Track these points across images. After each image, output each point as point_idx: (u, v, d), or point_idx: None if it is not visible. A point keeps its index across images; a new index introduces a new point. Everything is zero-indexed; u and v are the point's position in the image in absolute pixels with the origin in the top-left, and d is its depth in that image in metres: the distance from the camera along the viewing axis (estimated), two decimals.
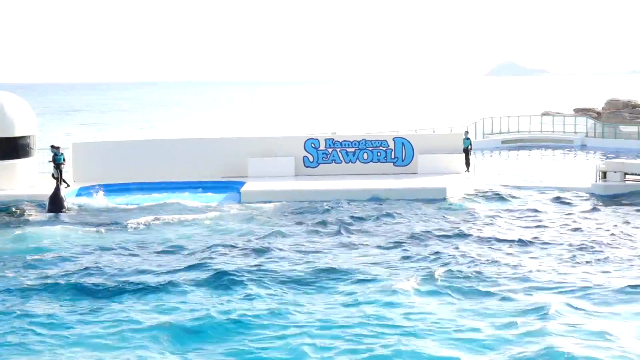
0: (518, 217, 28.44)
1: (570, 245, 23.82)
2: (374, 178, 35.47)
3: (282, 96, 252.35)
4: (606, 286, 19.37)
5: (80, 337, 16.26)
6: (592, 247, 23.57)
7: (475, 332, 16.23)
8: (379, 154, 37.27)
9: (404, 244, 24.21)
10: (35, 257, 23.22)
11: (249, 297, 18.73)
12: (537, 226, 26.93)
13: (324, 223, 27.59)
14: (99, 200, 32.70)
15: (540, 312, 17.28)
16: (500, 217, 28.49)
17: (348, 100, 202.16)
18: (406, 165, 37.23)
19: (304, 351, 15.33)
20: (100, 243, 25.22)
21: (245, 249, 23.79)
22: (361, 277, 20.40)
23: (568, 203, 31.31)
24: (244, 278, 20.26)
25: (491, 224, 27.40)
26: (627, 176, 33.52)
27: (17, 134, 34.52)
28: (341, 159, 37.28)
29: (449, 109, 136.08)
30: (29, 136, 35.12)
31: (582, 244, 23.87)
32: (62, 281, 20.27)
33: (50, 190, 31.44)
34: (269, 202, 31.62)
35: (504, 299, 18.45)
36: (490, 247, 23.70)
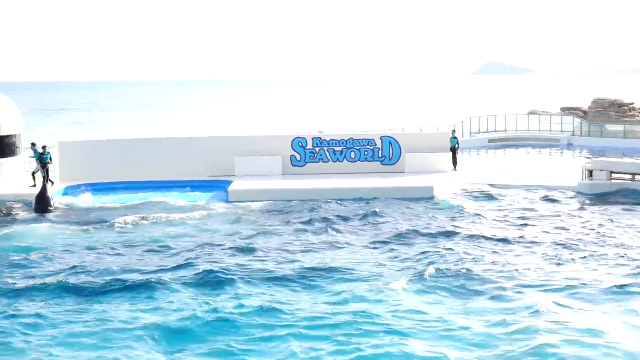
0: (505, 216, 28.51)
1: (557, 243, 23.91)
2: (361, 177, 35.49)
3: (269, 95, 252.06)
4: (592, 284, 19.46)
5: (66, 337, 16.19)
6: (578, 245, 23.66)
7: (464, 330, 16.25)
8: (366, 152, 37.30)
9: (391, 243, 24.24)
10: (21, 256, 23.11)
11: (236, 296, 18.70)
12: (524, 224, 27.01)
13: (311, 222, 27.59)
14: (86, 199, 32.60)
15: (528, 309, 17.35)
16: (487, 215, 28.56)
17: (335, 99, 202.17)
18: (393, 164, 37.28)
19: (292, 350, 15.32)
20: (87, 242, 25.14)
21: (232, 248, 23.76)
22: (348, 276, 20.42)
23: (554, 201, 31.41)
24: (231, 277, 20.23)
25: (478, 222, 27.47)
26: (613, 175, 33.66)
27: (3, 132, 34.38)
28: (328, 157, 37.28)
29: (436, 108, 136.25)
30: (15, 135, 34.97)
31: (568, 243, 23.96)
32: (48, 280, 20.18)
33: (36, 189, 31.35)
34: (256, 201, 31.59)
35: (491, 297, 18.51)
36: (477, 246, 23.75)
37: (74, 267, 21.68)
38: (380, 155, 37.32)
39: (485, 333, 16.04)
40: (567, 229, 26.01)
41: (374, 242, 24.42)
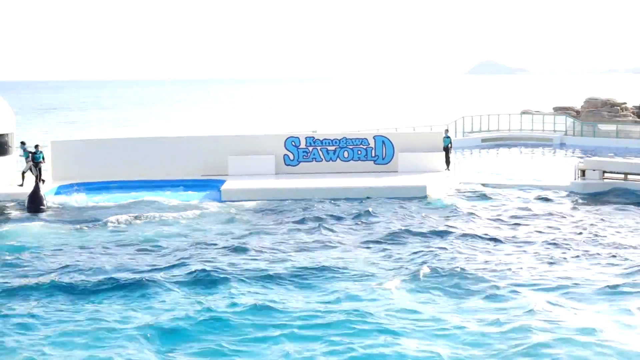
0: (498, 215, 28.55)
1: (550, 243, 23.96)
2: (354, 176, 35.50)
3: (263, 94, 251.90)
4: (585, 283, 19.51)
5: (59, 336, 16.16)
6: (571, 244, 23.72)
7: (457, 329, 16.28)
8: (359, 152, 37.32)
9: (384, 242, 24.26)
10: (14, 255, 23.07)
11: (228, 296, 18.69)
12: (517, 224, 27.06)
13: (304, 221, 27.59)
14: (79, 198, 32.53)
15: (522, 309, 17.38)
16: (480, 215, 28.60)
17: (329, 99, 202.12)
18: (386, 163, 37.31)
19: (285, 350, 15.32)
20: (80, 241, 25.10)
21: (225, 247, 23.75)
22: (342, 275, 20.43)
23: (547, 201, 31.48)
24: (224, 276, 20.22)
25: (471, 222, 27.50)
26: (606, 174, 33.75)
27: None
28: (322, 157, 37.29)
29: (429, 108, 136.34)
30: (7, 134, 34.87)
31: (561, 242, 24.01)
32: (40, 280, 20.16)
33: (29, 189, 31.30)
34: (249, 200, 31.59)
35: (484, 296, 18.54)
36: (470, 245, 23.78)
37: (66, 266, 21.65)
38: (373, 155, 37.35)
39: (479, 332, 16.07)
40: (560, 229, 26.07)
41: (367, 242, 24.44)
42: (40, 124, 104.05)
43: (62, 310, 17.88)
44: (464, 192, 33.48)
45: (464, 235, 25.06)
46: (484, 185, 34.80)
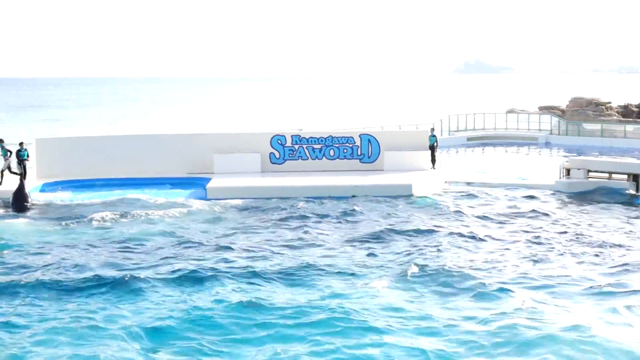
0: (483, 214, 28.61)
1: (534, 241, 24.03)
2: (340, 175, 35.52)
3: (248, 92, 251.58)
4: (570, 282, 19.58)
5: (43, 334, 16.08)
6: (555, 243, 23.80)
7: (444, 327, 16.31)
8: (345, 150, 37.34)
9: (370, 241, 24.28)
10: None
11: (213, 294, 18.65)
12: (502, 222, 27.13)
13: (289, 220, 27.59)
14: (63, 196, 32.42)
15: (507, 307, 17.45)
16: (466, 213, 28.65)
17: (315, 97, 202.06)
18: (372, 162, 37.34)
19: (271, 348, 15.32)
20: (64, 239, 25.01)
21: (211, 245, 23.71)
22: (327, 274, 20.43)
23: (532, 200, 31.57)
24: (209, 275, 20.19)
25: (456, 220, 27.55)
26: (591, 173, 33.89)
27: None
28: (307, 155, 37.29)
29: (415, 106, 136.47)
30: None
31: (546, 241, 24.09)
32: (24, 277, 20.07)
33: (10, 186, 31.16)
34: (235, 198, 31.55)
35: (470, 294, 18.58)
36: (455, 243, 23.81)
37: (51, 264, 21.57)
38: (359, 153, 37.38)
39: (465, 330, 16.10)
40: (545, 228, 26.15)
41: (353, 240, 24.45)
42: (24, 122, 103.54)
43: (46, 308, 17.81)
44: (450, 190, 33.55)
45: (450, 233, 25.10)
46: (469, 183, 34.91)
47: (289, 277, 20.17)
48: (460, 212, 28.88)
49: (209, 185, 33.13)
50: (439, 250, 22.72)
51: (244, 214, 29.02)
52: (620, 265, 21.11)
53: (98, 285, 19.44)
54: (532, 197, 32.09)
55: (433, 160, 37.38)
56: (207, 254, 22.66)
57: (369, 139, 37.49)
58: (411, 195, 32.18)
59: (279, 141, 37.27)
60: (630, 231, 25.48)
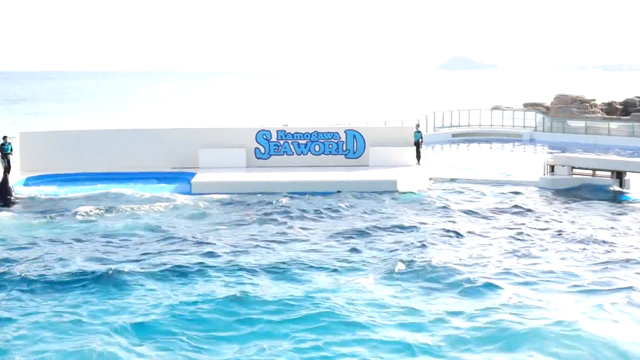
0: (467, 210, 28.67)
1: (518, 238, 24.11)
2: (325, 170, 35.52)
3: (233, 87, 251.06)
4: (553, 278, 19.65)
5: (26, 329, 16.01)
6: (539, 240, 23.89)
7: (429, 323, 16.34)
8: (330, 146, 37.34)
9: (355, 237, 24.28)
10: None
11: (197, 290, 18.62)
12: (486, 218, 27.21)
13: (274, 215, 27.55)
14: (48, 190, 32.26)
15: (491, 302, 17.50)
16: (450, 209, 28.72)
17: (300, 93, 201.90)
18: (357, 157, 37.37)
19: (256, 344, 15.31)
20: (48, 234, 24.90)
21: (195, 240, 23.65)
22: (312, 269, 20.42)
23: (516, 196, 31.67)
24: (193, 270, 20.16)
25: (441, 216, 27.61)
26: (574, 170, 34.04)
27: None
28: (293, 150, 37.27)
29: (400, 102, 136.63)
30: None
31: (529, 237, 24.18)
32: (7, 271, 19.95)
33: None
34: (220, 193, 31.49)
35: (454, 290, 18.62)
36: (440, 239, 23.84)
37: (34, 258, 21.46)
38: (344, 149, 37.39)
39: (451, 326, 16.14)
40: (528, 224, 26.24)
41: (338, 236, 24.44)
42: (8, 115, 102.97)
43: (29, 303, 17.73)
44: (435, 186, 33.62)
45: (435, 229, 25.14)
46: (454, 180, 34.99)
47: (274, 272, 20.15)
48: (445, 208, 28.94)
49: (194, 180, 33.06)
50: (423, 246, 22.76)
51: (228, 209, 28.98)
52: (604, 262, 21.21)
53: (82, 279, 19.36)
54: (516, 193, 32.19)
55: (418, 156, 37.46)
56: (192, 248, 22.61)
57: (354, 135, 37.51)
58: (396, 191, 32.23)
59: (264, 136, 37.24)
60: (614, 228, 25.60)
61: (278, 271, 20.23)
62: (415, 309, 17.24)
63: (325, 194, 31.56)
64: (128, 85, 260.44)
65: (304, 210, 28.23)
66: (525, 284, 19.20)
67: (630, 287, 18.66)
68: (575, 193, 32.25)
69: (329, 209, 28.51)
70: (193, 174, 34.23)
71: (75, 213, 27.60)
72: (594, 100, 63.31)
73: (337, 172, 34.82)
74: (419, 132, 38.09)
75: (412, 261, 20.85)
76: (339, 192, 31.88)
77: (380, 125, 48.63)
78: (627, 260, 21.29)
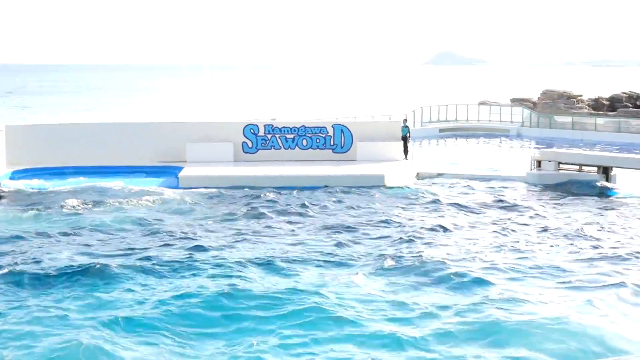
0: (454, 204, 28.71)
1: (504, 233, 24.17)
2: (312, 164, 35.50)
3: (220, 81, 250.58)
4: (540, 273, 19.71)
5: (11, 323, 15.94)
6: (525, 235, 23.97)
7: (417, 317, 16.37)
8: (318, 140, 37.32)
9: (342, 231, 24.28)
10: None
11: (184, 284, 18.57)
12: (473, 213, 27.27)
13: (261, 209, 27.51)
14: (34, 184, 32.13)
15: (479, 297, 17.54)
16: (437, 203, 28.76)
17: (288, 87, 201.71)
18: (345, 152, 37.36)
19: (244, 339, 15.29)
20: (34, 228, 24.77)
21: (182, 234, 23.59)
22: (299, 264, 20.41)
23: (503, 191, 31.74)
24: (180, 264, 20.12)
25: (428, 211, 27.66)
26: (561, 165, 34.15)
27: None
28: (280, 145, 37.23)
29: (388, 97, 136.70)
30: None
31: (515, 232, 24.25)
32: None
33: None
34: (207, 187, 31.43)
35: (442, 284, 18.67)
36: (427, 234, 23.88)
37: (19, 253, 21.35)
38: (332, 144, 37.38)
39: (440, 320, 16.16)
40: (516, 219, 26.31)
41: (325, 231, 24.44)
42: (5, 108, 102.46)
43: (15, 297, 17.65)
44: (422, 181, 33.66)
45: (422, 224, 25.18)
46: (441, 174, 35.04)
47: (261, 267, 20.12)
48: (432, 202, 28.98)
49: (181, 174, 32.99)
50: (411, 241, 22.79)
51: (216, 203, 28.92)
52: (591, 257, 21.29)
53: (69, 273, 19.27)
54: (503, 188, 32.27)
55: (405, 151, 37.50)
56: (179, 242, 22.56)
57: (342, 129, 37.50)
58: (384, 185, 32.25)
59: (251, 130, 37.18)
60: (600, 223, 25.69)
61: (265, 266, 20.19)
62: (403, 303, 17.26)
63: (312, 188, 31.55)
64: (128, 79, 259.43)
65: (291, 205, 28.21)
66: (514, 279, 19.25)
67: (617, 282, 18.75)
68: (562, 188, 32.35)
69: (316, 203, 28.50)
70: (180, 168, 34.16)
71: (62, 207, 27.50)
72: (581, 95, 63.55)
73: (324, 167, 34.80)
74: (407, 127, 38.13)
75: (400, 256, 20.88)
76: (326, 186, 31.88)
77: (368, 119, 48.61)
78: (614, 255, 21.39)
